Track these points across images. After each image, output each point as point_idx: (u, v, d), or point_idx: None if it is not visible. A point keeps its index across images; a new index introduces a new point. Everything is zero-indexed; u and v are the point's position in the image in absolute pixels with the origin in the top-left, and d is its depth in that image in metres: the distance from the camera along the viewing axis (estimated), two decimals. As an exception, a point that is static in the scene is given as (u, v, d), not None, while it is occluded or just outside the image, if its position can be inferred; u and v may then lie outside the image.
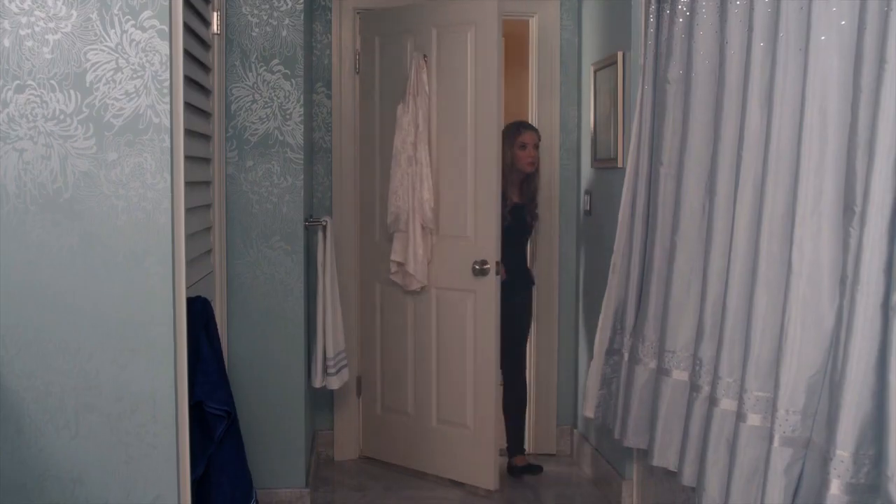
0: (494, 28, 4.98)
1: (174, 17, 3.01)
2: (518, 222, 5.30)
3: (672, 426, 3.81)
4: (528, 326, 5.57)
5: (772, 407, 2.96)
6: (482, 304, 5.05)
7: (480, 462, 5.11)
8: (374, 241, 5.50)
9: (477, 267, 5.03)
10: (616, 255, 4.34)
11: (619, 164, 4.67)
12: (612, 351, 4.35)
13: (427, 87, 5.15)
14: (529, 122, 5.55)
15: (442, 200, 5.17)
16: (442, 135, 5.16)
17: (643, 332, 4.07)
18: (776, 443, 2.90)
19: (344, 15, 5.44)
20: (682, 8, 3.83)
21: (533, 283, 5.55)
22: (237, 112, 4.36)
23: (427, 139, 5.11)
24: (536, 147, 5.26)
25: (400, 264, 5.20)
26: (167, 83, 2.98)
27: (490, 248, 4.99)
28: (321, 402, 5.55)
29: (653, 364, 4.01)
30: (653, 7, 4.13)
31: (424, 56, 5.17)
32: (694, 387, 3.58)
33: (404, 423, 5.45)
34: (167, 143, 2.97)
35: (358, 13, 5.46)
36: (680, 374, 3.79)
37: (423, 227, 5.14)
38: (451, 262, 5.17)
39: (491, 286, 5.00)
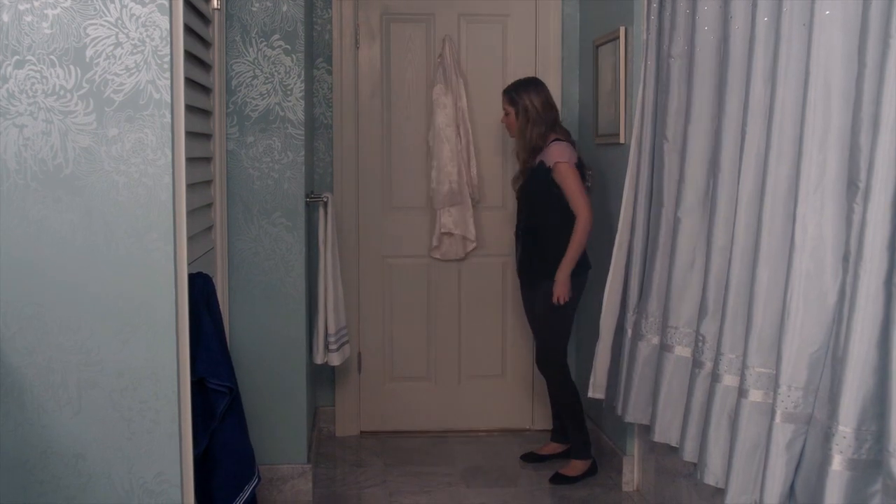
0: (527, 18, 5.56)
1: (174, -9, 2.99)
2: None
3: (674, 402, 3.82)
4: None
5: (774, 383, 2.96)
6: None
7: (520, 404, 5.78)
8: (375, 217, 5.52)
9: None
10: (620, 233, 4.34)
11: (622, 140, 4.65)
12: (619, 328, 4.35)
13: (459, 70, 5.51)
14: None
15: (480, 174, 5.63)
16: (475, 115, 5.57)
17: (646, 308, 4.07)
18: (778, 419, 2.90)
19: (344, -10, 5.42)
20: (685, -18, 3.81)
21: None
22: (238, 88, 4.34)
23: (467, 118, 5.48)
24: (507, 113, 4.92)
25: (449, 235, 5.52)
26: (167, 58, 2.96)
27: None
28: (322, 379, 5.55)
29: (655, 340, 4.01)
30: (656, -18, 4.10)
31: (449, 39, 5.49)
32: (696, 363, 3.58)
33: (422, 388, 5.70)
34: (168, 119, 2.96)
35: (359, -12, 5.44)
36: (682, 350, 3.79)
37: (471, 199, 5.55)
38: (489, 231, 5.65)
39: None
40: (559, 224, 4.77)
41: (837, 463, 2.63)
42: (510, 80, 5.51)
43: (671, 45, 3.92)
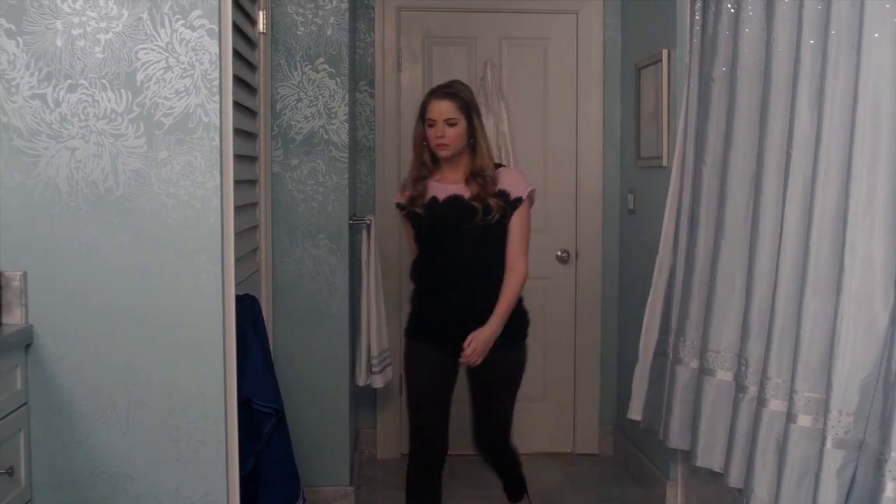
0: (568, 41, 5.59)
1: (223, 16, 3.02)
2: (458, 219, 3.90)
3: (716, 426, 3.79)
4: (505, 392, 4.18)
5: (824, 408, 2.93)
6: (559, 288, 5.71)
7: (561, 427, 5.79)
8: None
9: (559, 254, 5.63)
10: (661, 256, 4.32)
11: (664, 163, 4.64)
12: (658, 352, 4.33)
13: (501, 93, 5.50)
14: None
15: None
16: (516, 137, 5.56)
17: (685, 332, 4.05)
18: (829, 444, 2.87)
19: (387, 13, 5.45)
20: (727, 5, 3.80)
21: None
22: (283, 111, 4.38)
23: (508, 140, 5.46)
24: (452, 123, 3.83)
25: None
26: (216, 82, 2.99)
27: (569, 238, 5.68)
28: (363, 401, 5.56)
29: (695, 364, 3.98)
30: (698, 4, 4.10)
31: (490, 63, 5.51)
32: (740, 387, 3.55)
33: (463, 410, 5.48)
34: (216, 142, 2.99)
35: (401, 12, 5.47)
36: (724, 374, 3.76)
37: None
38: (531, 253, 5.44)
39: (569, 272, 5.69)
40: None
41: (891, 490, 2.59)
42: (552, 103, 5.56)
43: (713, 68, 3.91)
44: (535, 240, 5.51)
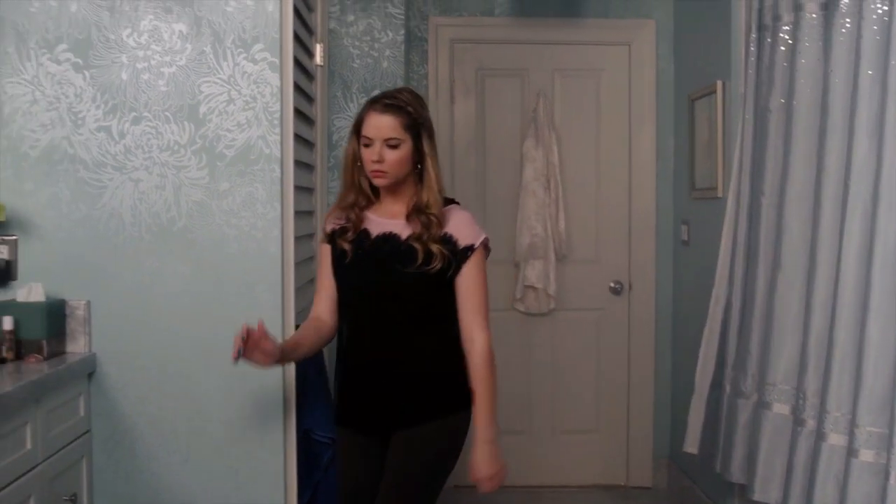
0: (621, 73, 5.57)
1: (284, 49, 3.07)
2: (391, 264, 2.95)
3: (774, 460, 3.75)
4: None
5: (887, 443, 2.90)
6: (612, 320, 5.65)
7: (614, 459, 5.70)
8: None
9: (612, 285, 5.59)
10: (717, 287, 4.29)
11: (719, 194, 4.62)
12: (714, 384, 4.30)
13: (552, 124, 5.51)
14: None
15: (570, 228, 5.58)
16: (567, 168, 5.55)
17: (744, 365, 4.01)
18: (892, 480, 2.83)
19: (440, 46, 5.48)
20: (783, 36, 3.80)
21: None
22: (339, 142, 4.41)
23: (557, 172, 5.47)
24: (393, 144, 2.89)
25: (533, 289, 5.50)
26: (278, 114, 3.04)
27: (622, 269, 5.62)
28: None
29: (754, 397, 3.95)
30: (753, 36, 4.09)
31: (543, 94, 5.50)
32: (797, 420, 3.51)
33: (515, 442, 5.58)
34: (277, 174, 3.03)
35: (454, 44, 5.51)
36: (781, 408, 3.73)
37: (556, 253, 5.49)
38: (579, 284, 5.60)
39: (622, 304, 5.63)
40: (454, 333, 3.06)
41: (956, 525, 2.56)
42: (605, 135, 5.57)
43: (769, 99, 3.89)
44: (588, 271, 5.56)
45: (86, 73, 3.04)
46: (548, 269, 5.49)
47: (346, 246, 2.97)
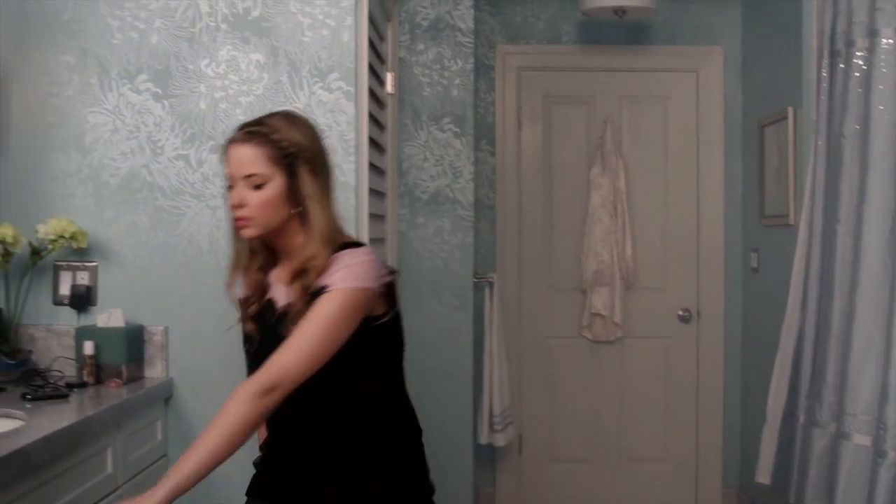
0: (688, 99, 5.57)
1: (359, 79, 3.10)
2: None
3: (853, 493, 3.68)
4: None
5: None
6: (680, 348, 5.61)
7: (682, 488, 5.64)
8: (537, 297, 5.54)
9: (680, 313, 5.56)
10: (789, 316, 4.24)
11: (791, 221, 4.57)
12: (787, 414, 4.24)
13: (619, 151, 5.50)
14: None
15: (637, 255, 5.55)
16: (634, 195, 5.54)
17: (819, 394, 3.96)
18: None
19: (507, 73, 5.51)
20: (857, 62, 3.75)
21: None
22: (409, 170, 4.44)
23: (624, 199, 5.44)
24: (258, 184, 2.27)
25: (600, 316, 5.45)
26: (353, 143, 3.06)
27: (690, 297, 5.59)
28: (482, 459, 5.54)
29: (831, 427, 3.89)
30: (825, 62, 4.05)
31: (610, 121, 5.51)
32: (878, 452, 3.45)
33: (583, 470, 5.60)
34: (353, 202, 3.05)
35: (521, 71, 5.52)
36: (861, 439, 3.66)
37: (622, 280, 5.45)
38: (647, 312, 5.57)
39: (690, 331, 5.60)
40: (372, 407, 2.36)
41: None
42: (672, 162, 5.55)
43: (843, 125, 3.85)
44: (656, 298, 5.53)
45: (165, 102, 3.10)
46: (614, 297, 5.46)
47: (249, 327, 2.41)
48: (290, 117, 2.35)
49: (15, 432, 2.27)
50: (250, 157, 2.25)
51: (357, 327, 2.21)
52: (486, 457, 5.54)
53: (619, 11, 4.81)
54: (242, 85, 3.08)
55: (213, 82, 3.08)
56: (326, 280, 2.19)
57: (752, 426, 4.86)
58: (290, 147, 2.26)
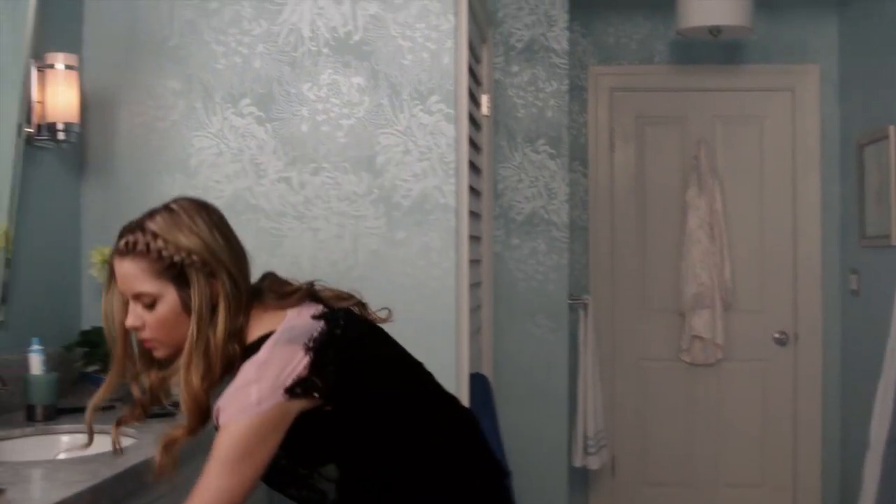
0: (784, 119, 5.49)
1: (459, 101, 3.12)
2: None
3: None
4: None
5: None
6: (777, 371, 5.49)
7: None
8: (630, 319, 5.50)
9: (777, 336, 5.46)
10: (893, 338, 4.15)
11: (893, 242, 4.48)
12: (891, 440, 4.14)
13: (715, 172, 5.44)
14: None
15: (734, 277, 5.48)
16: (731, 215, 5.47)
17: (927, 420, 3.87)
18: None
19: (600, 94, 5.49)
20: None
21: None
22: (503, 191, 4.44)
23: (721, 220, 5.40)
24: (148, 302, 1.93)
25: (700, 338, 5.40)
26: (453, 165, 3.08)
27: (787, 319, 5.47)
28: (576, 482, 5.50)
29: (941, 453, 3.80)
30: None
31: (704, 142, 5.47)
32: None
33: (678, 494, 5.53)
34: (452, 223, 3.06)
35: (614, 92, 5.51)
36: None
37: (722, 302, 5.38)
38: (744, 335, 5.47)
39: (788, 354, 5.48)
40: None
41: None
42: (768, 182, 5.48)
43: (948, 144, 3.78)
44: (752, 321, 5.45)
45: (268, 125, 3.15)
46: (715, 319, 5.39)
47: None
48: (173, 215, 1.95)
49: (128, 450, 2.30)
50: (133, 274, 1.92)
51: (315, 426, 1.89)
52: (580, 480, 5.50)
53: (715, 31, 4.77)
54: (344, 108, 3.11)
55: (314, 106, 3.13)
56: (219, 402, 1.86)
57: (853, 452, 4.75)
58: (174, 255, 1.90)
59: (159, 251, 1.89)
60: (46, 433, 2.64)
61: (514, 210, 4.47)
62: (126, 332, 1.97)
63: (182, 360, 1.91)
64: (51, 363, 2.80)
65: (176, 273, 1.90)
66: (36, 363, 2.74)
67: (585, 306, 4.80)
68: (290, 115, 3.14)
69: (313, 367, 1.87)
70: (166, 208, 1.97)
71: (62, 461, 2.33)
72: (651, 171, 5.53)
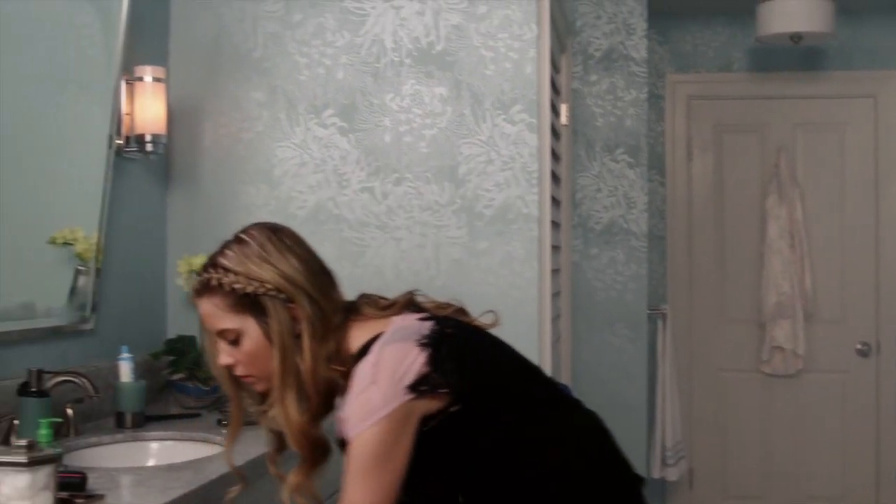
0: (866, 125, 5.40)
1: (542, 110, 3.12)
2: None
3: None
4: None
5: None
6: (859, 383, 5.39)
7: None
8: (709, 329, 5.44)
9: (859, 347, 5.37)
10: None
11: (981, 252, 4.39)
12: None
13: (795, 180, 5.38)
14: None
15: (816, 286, 5.42)
16: (812, 224, 5.41)
17: None
18: None
19: (678, 102, 5.45)
20: None
21: None
22: (582, 200, 4.43)
23: (802, 228, 5.34)
24: (233, 339, 1.87)
25: (780, 349, 5.33)
26: (535, 174, 3.08)
27: (869, 330, 5.38)
28: (654, 493, 5.45)
29: None
30: None
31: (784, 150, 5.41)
32: None
33: None
34: (535, 233, 3.06)
35: (691, 100, 5.46)
36: None
37: (803, 312, 5.33)
38: (825, 346, 5.40)
39: (870, 366, 5.38)
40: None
41: None
42: (850, 190, 5.39)
43: None
44: (833, 331, 5.37)
45: (351, 136, 3.17)
46: (796, 329, 5.32)
47: None
48: (243, 245, 1.88)
49: (217, 458, 2.33)
50: (211, 313, 1.88)
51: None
52: (658, 491, 5.45)
53: (795, 37, 4.71)
54: (426, 118, 3.13)
55: (397, 116, 3.14)
56: (341, 414, 1.81)
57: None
58: (246, 286, 1.84)
59: (231, 285, 1.84)
60: (136, 440, 2.69)
61: (593, 219, 4.45)
62: (228, 371, 1.92)
63: (275, 395, 1.85)
64: (138, 371, 2.85)
65: (252, 305, 1.84)
66: (125, 371, 2.79)
67: (664, 316, 4.77)
68: (373, 126, 3.16)
69: (432, 361, 1.78)
70: (236, 239, 1.91)
71: (153, 468, 2.37)
72: (729, 180, 5.48)
